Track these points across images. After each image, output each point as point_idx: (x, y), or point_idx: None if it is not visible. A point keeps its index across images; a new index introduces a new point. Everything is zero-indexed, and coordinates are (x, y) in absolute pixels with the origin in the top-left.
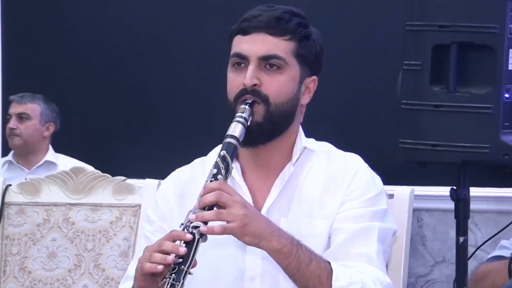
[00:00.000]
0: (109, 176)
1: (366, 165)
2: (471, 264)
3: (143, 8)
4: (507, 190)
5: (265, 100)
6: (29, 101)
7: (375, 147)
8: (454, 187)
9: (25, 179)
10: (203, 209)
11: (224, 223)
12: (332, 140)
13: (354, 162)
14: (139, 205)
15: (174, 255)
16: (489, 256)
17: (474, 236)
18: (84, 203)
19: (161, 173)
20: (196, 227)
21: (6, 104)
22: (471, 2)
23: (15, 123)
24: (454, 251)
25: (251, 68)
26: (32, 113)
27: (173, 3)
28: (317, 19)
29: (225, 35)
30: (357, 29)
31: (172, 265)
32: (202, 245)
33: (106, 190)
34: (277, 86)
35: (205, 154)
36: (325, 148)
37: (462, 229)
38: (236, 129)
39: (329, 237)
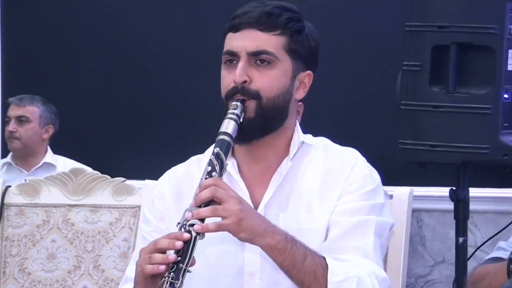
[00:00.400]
0: (109, 177)
1: (364, 159)
2: (471, 265)
3: (141, 11)
4: (506, 190)
5: (255, 96)
6: (28, 103)
7: (375, 147)
8: (454, 188)
9: (25, 180)
10: (199, 206)
11: (220, 219)
12: (331, 140)
13: (352, 156)
14: (138, 206)
15: (174, 253)
16: (487, 258)
17: (474, 237)
18: (84, 204)
19: (160, 174)
20: (193, 225)
21: (5, 106)
22: (470, 3)
23: (15, 126)
24: (453, 251)
25: (240, 64)
26: (32, 116)
27: (170, 5)
28: (317, 19)
29: (222, 35)
30: (356, 29)
31: (170, 264)
32: (200, 243)
33: (106, 191)
34: (268, 81)
35: None
36: (323, 142)
37: (461, 229)
38: (228, 125)
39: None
